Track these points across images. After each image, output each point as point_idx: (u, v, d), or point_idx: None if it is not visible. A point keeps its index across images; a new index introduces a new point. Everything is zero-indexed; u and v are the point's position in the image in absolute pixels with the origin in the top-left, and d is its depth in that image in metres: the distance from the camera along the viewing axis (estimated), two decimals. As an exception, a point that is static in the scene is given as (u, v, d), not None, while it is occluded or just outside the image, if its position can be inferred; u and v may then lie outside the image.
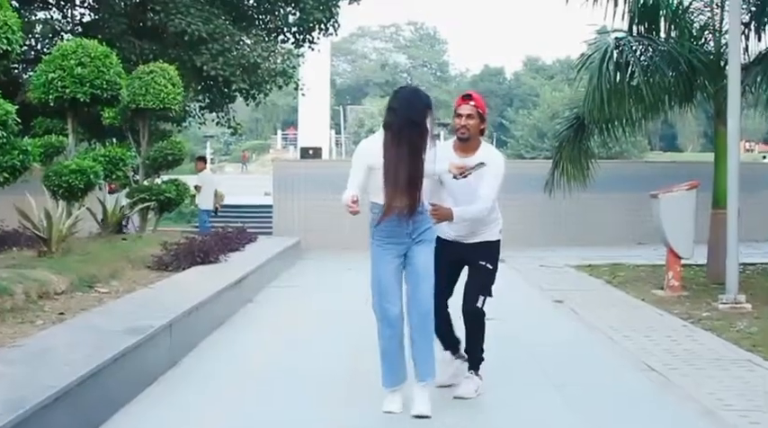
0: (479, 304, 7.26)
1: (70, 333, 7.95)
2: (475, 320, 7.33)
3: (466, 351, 7.55)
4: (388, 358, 6.68)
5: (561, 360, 8.61)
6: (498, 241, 7.53)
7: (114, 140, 19.83)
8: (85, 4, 25.79)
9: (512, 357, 8.62)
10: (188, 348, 9.17)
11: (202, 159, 22.99)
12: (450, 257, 7.36)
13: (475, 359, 7.45)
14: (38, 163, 14.14)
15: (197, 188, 21.83)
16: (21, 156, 11.51)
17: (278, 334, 10.59)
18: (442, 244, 7.24)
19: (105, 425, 6.33)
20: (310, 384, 7.72)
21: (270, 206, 26.10)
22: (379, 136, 6.65)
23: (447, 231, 7.35)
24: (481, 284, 7.33)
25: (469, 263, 7.45)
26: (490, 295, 7.37)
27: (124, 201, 17.86)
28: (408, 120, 6.43)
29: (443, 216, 6.89)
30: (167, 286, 11.66)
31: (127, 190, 18.39)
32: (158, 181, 18.89)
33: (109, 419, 6.45)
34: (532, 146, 79.02)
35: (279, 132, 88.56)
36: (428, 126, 6.56)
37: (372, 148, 6.61)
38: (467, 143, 7.30)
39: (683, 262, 13.68)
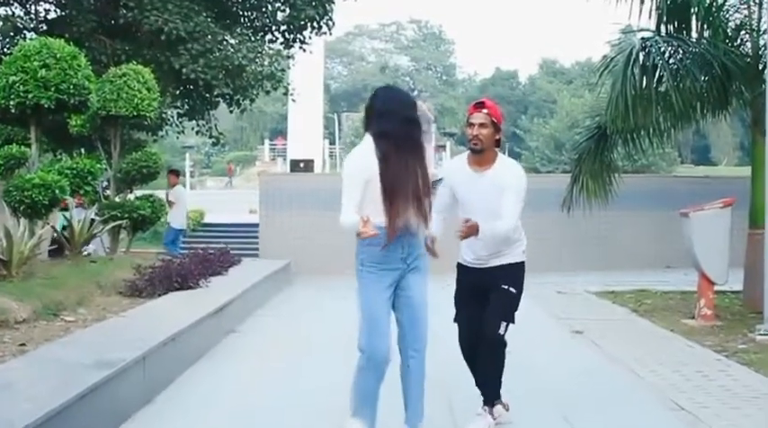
0: (501, 331, 7.31)
1: (32, 366, 7.96)
2: (494, 349, 7.40)
3: (479, 384, 7.58)
4: (369, 401, 6.50)
5: (580, 397, 8.62)
6: (522, 263, 7.59)
7: (82, 151, 19.84)
8: (51, 0, 25.85)
9: (524, 393, 8.61)
10: (164, 383, 9.18)
11: (175, 172, 23.01)
12: (473, 286, 7.51)
13: (490, 393, 7.49)
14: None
15: (170, 204, 21.78)
16: (-22, 170, 11.55)
17: (263, 367, 10.59)
18: (461, 272, 7.47)
19: (71, 469, 6.34)
20: (297, 424, 7.73)
21: (256, 225, 26.15)
22: (369, 145, 6.46)
23: (467, 254, 7.48)
24: (503, 309, 7.38)
25: (491, 288, 7.45)
26: (512, 322, 7.42)
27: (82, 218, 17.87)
28: (410, 122, 6.47)
29: (471, 231, 6.94)
30: (141, 314, 11.67)
31: (96, 206, 18.40)
32: (131, 196, 18.91)
33: (75, 462, 6.47)
34: (549, 158, 79.01)
35: (266, 142, 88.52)
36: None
37: (368, 161, 6.39)
38: (481, 155, 7.33)
39: (716, 288, 13.70)
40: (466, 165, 7.43)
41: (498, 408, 7.50)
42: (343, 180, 6.48)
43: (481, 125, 7.25)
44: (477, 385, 7.58)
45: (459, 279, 7.61)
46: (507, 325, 7.34)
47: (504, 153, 7.77)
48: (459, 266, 7.58)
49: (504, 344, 7.43)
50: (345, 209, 6.34)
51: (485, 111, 7.32)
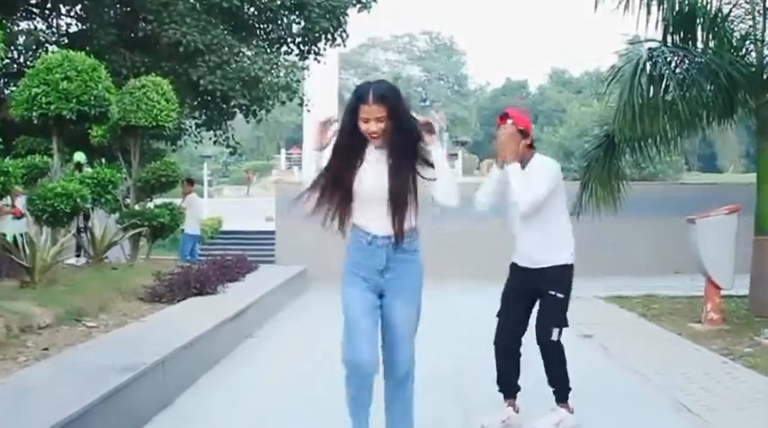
0: (554, 337, 7.49)
1: (55, 370, 7.98)
2: (552, 353, 7.58)
3: (550, 383, 7.73)
4: (360, 412, 5.96)
5: (589, 399, 8.60)
6: (569, 266, 7.65)
7: (103, 161, 19.91)
8: (72, 14, 25.93)
9: (535, 394, 8.60)
10: (183, 387, 9.19)
11: (190, 181, 23.07)
12: (522, 287, 7.65)
13: (561, 390, 7.67)
14: (20, 185, 14.23)
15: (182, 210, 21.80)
16: (1, 179, 11.59)
17: (280, 372, 10.59)
18: (512, 272, 7.68)
19: (93, 471, 6.36)
20: (311, 424, 7.74)
21: (272, 232, 26.18)
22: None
23: (517, 253, 7.68)
24: (552, 316, 7.53)
25: (539, 293, 7.60)
26: (565, 325, 7.60)
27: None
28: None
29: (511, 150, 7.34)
30: (161, 319, 11.69)
31: (117, 215, 18.44)
32: (151, 205, 18.95)
33: (96, 464, 6.48)
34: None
35: (282, 152, 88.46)
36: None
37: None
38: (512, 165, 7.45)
39: (722, 293, 13.66)
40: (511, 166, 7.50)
41: (562, 410, 7.69)
42: None
43: (510, 137, 7.38)
44: (548, 384, 7.73)
45: (510, 278, 7.78)
46: (560, 330, 7.53)
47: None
48: (512, 265, 7.76)
49: (561, 348, 7.61)
50: None
51: (510, 121, 7.43)
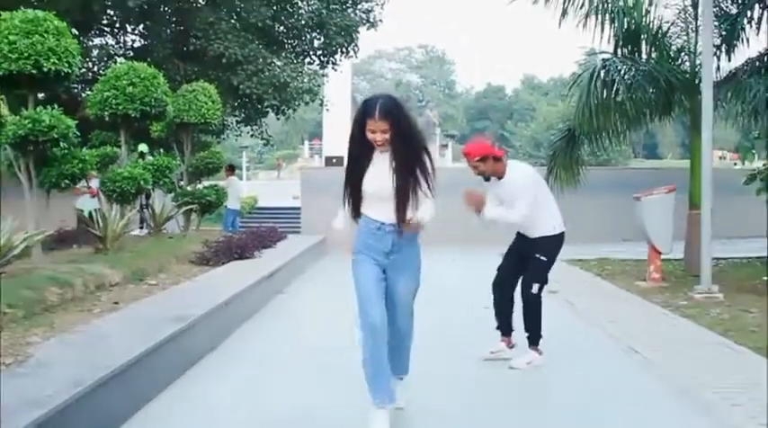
0: (534, 290, 7.67)
1: (123, 320, 7.99)
2: (531, 304, 7.72)
3: (526, 329, 7.82)
4: (374, 369, 5.58)
5: (556, 344, 8.57)
6: (556, 235, 7.82)
7: (161, 151, 19.88)
8: (136, 31, 25.87)
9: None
10: (226, 333, 9.19)
11: (231, 167, 22.99)
12: (517, 249, 7.93)
13: (534, 336, 7.79)
14: (94, 170, 14.23)
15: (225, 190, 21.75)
16: (80, 165, 11.59)
17: (305, 321, 10.60)
18: (516, 237, 7.99)
19: (153, 402, 6.35)
20: (333, 364, 7.72)
21: (298, 208, 26.21)
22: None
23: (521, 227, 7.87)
24: (534, 273, 7.75)
25: (528, 256, 7.76)
26: (545, 282, 7.83)
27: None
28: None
29: (474, 201, 7.33)
30: (208, 279, 11.70)
31: (173, 194, 18.44)
32: (200, 186, 18.94)
33: (156, 397, 6.47)
34: (530, 154, 78.90)
35: (306, 143, 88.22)
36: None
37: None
38: (493, 177, 7.59)
39: (662, 256, 13.66)
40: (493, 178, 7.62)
41: (532, 352, 7.83)
42: None
43: (475, 167, 7.48)
44: (525, 330, 7.83)
45: (513, 241, 8.05)
46: (541, 286, 7.72)
47: (497, 147, 7.80)
48: (517, 234, 7.99)
49: (539, 301, 7.75)
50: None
51: (475, 157, 7.47)
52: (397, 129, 5.40)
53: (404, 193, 5.48)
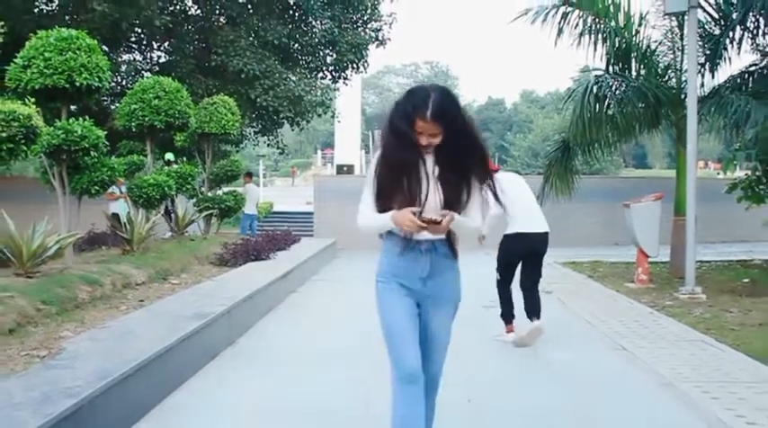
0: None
1: (148, 317, 8.03)
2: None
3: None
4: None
5: (549, 340, 8.61)
6: (505, 236, 8.55)
7: (184, 159, 19.95)
8: (161, 48, 25.94)
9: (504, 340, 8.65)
10: (243, 329, 9.24)
11: (249, 174, 23.02)
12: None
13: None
14: (122, 177, 14.29)
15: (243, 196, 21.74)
16: (109, 173, 11.64)
17: (317, 318, 10.64)
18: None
19: (175, 393, 6.40)
20: (344, 359, 7.77)
21: (311, 213, 26.24)
22: None
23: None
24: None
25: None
26: (497, 271, 8.77)
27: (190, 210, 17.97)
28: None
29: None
30: (227, 279, 11.73)
31: (194, 200, 18.50)
32: (220, 192, 18.98)
33: (178, 388, 6.52)
34: (527, 164, 78.79)
35: (318, 152, 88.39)
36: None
37: None
38: None
39: (650, 259, 13.68)
40: None
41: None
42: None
43: None
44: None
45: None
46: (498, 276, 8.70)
47: (494, 160, 7.92)
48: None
49: (498, 283, 8.77)
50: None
51: None
52: (452, 130, 3.88)
53: (455, 205, 3.96)
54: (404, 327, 4.02)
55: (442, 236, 4.02)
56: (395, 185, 3.97)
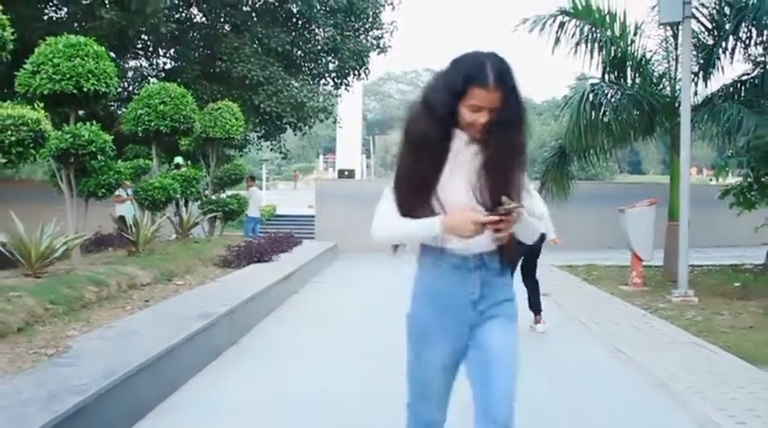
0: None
1: (153, 317, 8.04)
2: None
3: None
4: None
5: (546, 342, 8.63)
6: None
7: (189, 163, 19.97)
8: (167, 55, 25.96)
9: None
10: (246, 329, 9.25)
11: (251, 178, 23.05)
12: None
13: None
14: (129, 181, 14.31)
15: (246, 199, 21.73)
16: (115, 176, 11.66)
17: (318, 319, 10.64)
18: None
19: (179, 391, 6.41)
20: (344, 358, 7.78)
21: (313, 216, 26.22)
22: None
23: None
24: None
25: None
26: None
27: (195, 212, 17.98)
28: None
29: None
30: (230, 280, 11.74)
31: (199, 202, 18.51)
32: (224, 195, 18.99)
33: (181, 386, 6.53)
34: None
35: (320, 157, 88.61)
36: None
37: None
38: None
39: (644, 263, 13.68)
40: None
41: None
42: None
43: None
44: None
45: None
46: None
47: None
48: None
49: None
50: None
51: None
52: (506, 104, 2.89)
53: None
54: (433, 383, 3.14)
55: (493, 247, 3.01)
56: (425, 176, 2.96)
